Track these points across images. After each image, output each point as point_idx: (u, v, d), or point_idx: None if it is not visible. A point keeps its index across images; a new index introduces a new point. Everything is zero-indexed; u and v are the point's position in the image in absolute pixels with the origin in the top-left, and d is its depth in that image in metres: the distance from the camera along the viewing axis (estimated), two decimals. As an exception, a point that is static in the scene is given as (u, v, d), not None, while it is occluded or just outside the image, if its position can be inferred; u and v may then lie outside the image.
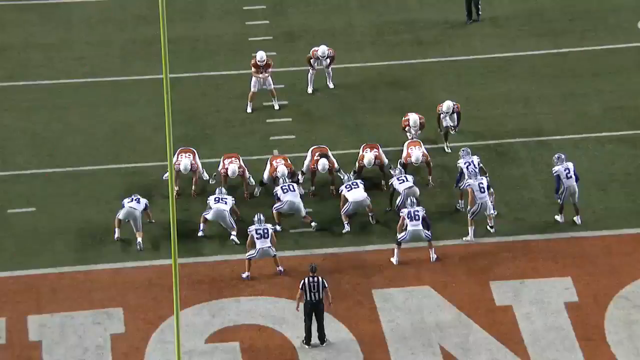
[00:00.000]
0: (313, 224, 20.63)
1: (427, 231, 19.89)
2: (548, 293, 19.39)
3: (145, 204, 20.62)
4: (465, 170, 20.68)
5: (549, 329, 18.78)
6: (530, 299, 19.29)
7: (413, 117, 22.02)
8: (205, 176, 21.37)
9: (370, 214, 20.60)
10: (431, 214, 20.76)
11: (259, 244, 19.65)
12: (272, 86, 23.42)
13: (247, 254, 19.69)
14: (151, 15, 26.26)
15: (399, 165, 21.29)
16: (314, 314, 18.42)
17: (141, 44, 25.71)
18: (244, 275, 19.74)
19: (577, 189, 20.46)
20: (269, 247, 19.65)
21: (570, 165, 20.47)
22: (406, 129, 22.18)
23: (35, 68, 25.04)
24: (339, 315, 18.96)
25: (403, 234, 19.91)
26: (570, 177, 20.40)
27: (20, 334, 18.78)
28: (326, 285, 18.43)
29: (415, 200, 20.13)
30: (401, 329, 18.80)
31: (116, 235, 20.45)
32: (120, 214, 20.41)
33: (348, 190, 20.40)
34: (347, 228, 20.54)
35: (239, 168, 21.11)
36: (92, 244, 20.52)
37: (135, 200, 20.52)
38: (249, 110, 23.31)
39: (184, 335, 18.31)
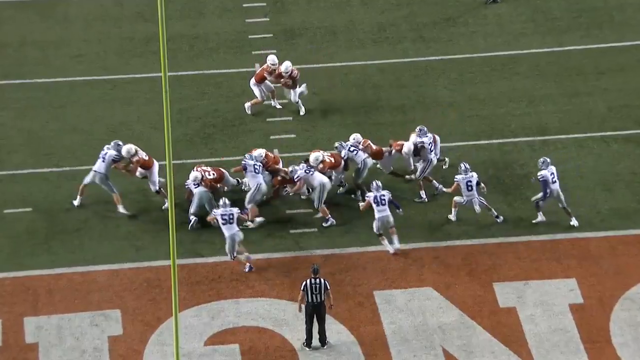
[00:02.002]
0: (248, 223, 20.48)
1: (398, 209, 20.01)
2: (552, 294, 19.42)
3: (113, 158, 20.53)
4: (431, 157, 20.85)
5: (553, 331, 18.81)
6: (534, 300, 19.33)
7: (407, 145, 21.45)
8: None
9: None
10: (432, 214, 20.81)
11: (226, 231, 19.61)
12: (272, 86, 23.40)
13: (226, 247, 19.61)
14: (149, 12, 26.26)
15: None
16: (315, 316, 18.47)
17: (139, 42, 25.71)
18: (247, 267, 19.76)
19: (560, 192, 20.50)
20: (237, 231, 19.62)
21: (554, 168, 20.53)
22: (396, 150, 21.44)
23: (32, 66, 25.05)
24: (340, 316, 19.01)
25: (375, 223, 20.01)
26: (555, 181, 20.48)
27: (16, 336, 18.82)
28: (328, 287, 18.48)
29: (379, 184, 20.12)
30: (403, 331, 18.83)
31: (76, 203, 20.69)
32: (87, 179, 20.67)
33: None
34: (331, 221, 20.54)
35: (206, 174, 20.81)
36: (90, 244, 20.58)
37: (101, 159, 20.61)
38: (249, 112, 23.17)
39: (182, 337, 18.42)
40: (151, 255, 20.31)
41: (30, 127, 23.45)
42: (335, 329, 18.83)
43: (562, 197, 20.48)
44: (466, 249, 20.32)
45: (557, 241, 20.35)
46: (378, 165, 21.52)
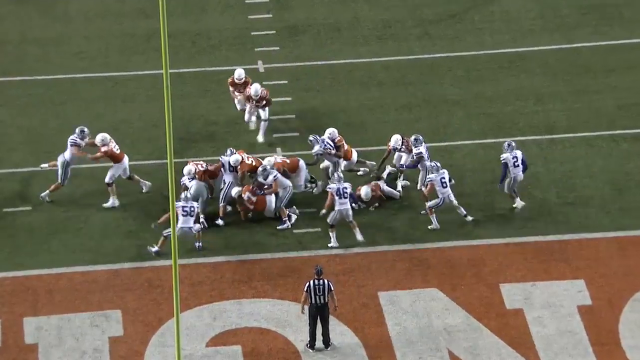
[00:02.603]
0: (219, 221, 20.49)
1: (354, 204, 20.19)
2: (560, 296, 19.35)
3: (71, 142, 20.63)
4: (428, 165, 20.80)
5: (561, 333, 18.74)
6: (541, 302, 19.27)
7: (394, 137, 21.30)
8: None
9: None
10: (437, 214, 20.77)
11: (181, 222, 19.67)
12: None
13: (165, 230, 19.61)
14: (151, 8, 26.23)
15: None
16: (318, 317, 18.43)
17: (140, 38, 25.68)
18: (153, 250, 19.81)
19: (520, 179, 20.59)
20: (190, 227, 19.73)
21: (519, 153, 20.55)
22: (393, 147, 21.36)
23: (32, 63, 25.03)
24: (344, 318, 18.96)
25: (333, 214, 20.05)
26: (518, 165, 20.53)
27: (16, 337, 18.77)
28: (332, 289, 18.43)
29: (342, 176, 20.17)
30: (408, 333, 18.79)
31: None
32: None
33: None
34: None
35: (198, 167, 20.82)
36: (90, 244, 20.55)
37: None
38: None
39: (184, 338, 18.41)
40: (152, 255, 20.25)
41: (30, 125, 23.46)
42: (339, 331, 18.79)
43: (517, 182, 20.55)
44: (472, 250, 20.29)
45: (566, 242, 20.31)
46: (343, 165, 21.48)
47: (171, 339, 18.45)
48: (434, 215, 20.46)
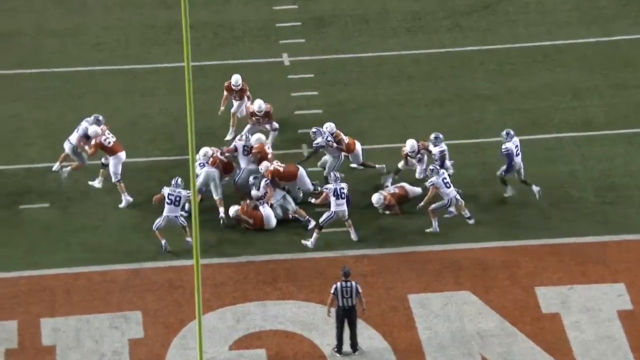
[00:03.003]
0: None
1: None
2: (599, 300, 19.28)
3: (84, 133, 20.84)
4: (432, 166, 20.63)
5: (600, 339, 18.65)
6: (579, 306, 19.19)
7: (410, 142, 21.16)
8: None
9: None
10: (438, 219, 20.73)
11: (167, 211, 19.74)
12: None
13: (156, 222, 19.85)
14: (172, -2, 26.29)
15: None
16: (346, 321, 18.40)
17: (161, 30, 25.68)
18: (163, 243, 19.98)
19: (522, 165, 20.72)
20: (177, 216, 19.81)
21: (518, 140, 20.59)
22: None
23: (49, 55, 25.07)
24: (372, 321, 18.93)
25: (327, 215, 20.00)
26: (519, 154, 20.65)
27: (32, 338, 18.79)
28: (360, 291, 18.41)
29: (339, 175, 20.14)
30: (439, 337, 18.73)
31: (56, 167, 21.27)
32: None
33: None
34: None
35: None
36: (109, 242, 20.57)
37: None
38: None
39: (206, 341, 18.32)
40: (173, 254, 20.29)
41: (47, 119, 23.46)
42: (367, 335, 18.75)
43: (522, 170, 20.63)
44: (506, 251, 20.23)
45: (605, 243, 20.21)
46: (350, 158, 21.44)
47: (193, 341, 18.45)
48: (437, 218, 20.32)
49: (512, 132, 20.68)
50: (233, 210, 20.59)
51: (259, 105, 22.14)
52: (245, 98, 22.50)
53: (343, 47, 25.07)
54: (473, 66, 24.48)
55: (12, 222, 20.91)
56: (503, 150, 20.65)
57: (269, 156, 21.06)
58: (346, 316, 18.33)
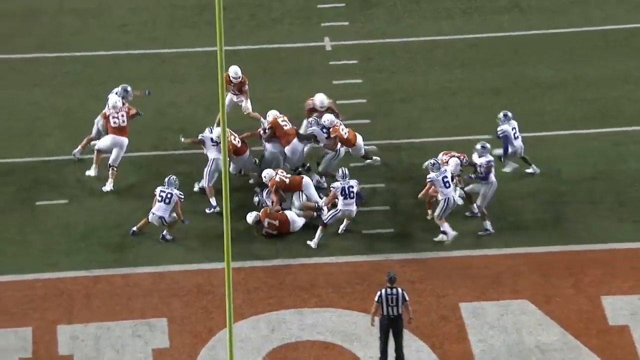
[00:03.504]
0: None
1: (361, 200, 20.43)
2: (675, 312, 19.33)
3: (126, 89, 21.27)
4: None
5: (673, 354, 18.71)
6: (651, 318, 19.28)
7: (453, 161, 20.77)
8: None
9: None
10: (529, 214, 20.55)
11: (155, 208, 20.19)
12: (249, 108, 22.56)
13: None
14: (204, -24, 26.40)
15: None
16: (391, 331, 18.37)
17: (192, 10, 25.79)
18: (131, 231, 20.46)
19: (522, 147, 21.15)
20: (161, 216, 20.22)
21: (515, 123, 20.91)
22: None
23: (69, 37, 25.22)
24: (420, 332, 18.93)
25: (333, 212, 20.24)
26: (518, 137, 21.02)
27: (48, 347, 18.84)
28: (407, 299, 18.38)
29: (347, 172, 20.28)
30: (494, 351, 18.69)
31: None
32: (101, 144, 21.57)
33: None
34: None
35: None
36: (132, 243, 20.60)
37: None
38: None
39: (237, 352, 18.39)
40: (202, 257, 20.33)
41: (67, 107, 23.55)
42: (414, 347, 18.74)
43: (522, 150, 21.12)
44: (570, 256, 20.16)
45: (682, 248, 19.93)
46: (350, 151, 21.59)
47: (223, 352, 18.47)
48: (446, 223, 20.24)
49: (509, 114, 20.95)
50: (252, 217, 20.69)
51: (320, 100, 22.01)
52: (245, 93, 22.47)
53: (391, 30, 25.07)
54: (535, 51, 24.35)
55: (28, 220, 21.01)
56: (499, 133, 20.95)
57: (286, 128, 21.17)
58: (391, 326, 18.32)
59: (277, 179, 20.83)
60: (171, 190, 20.30)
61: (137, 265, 20.16)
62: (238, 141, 21.28)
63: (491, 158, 20.75)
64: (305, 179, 21.08)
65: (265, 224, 20.60)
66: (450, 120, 22.83)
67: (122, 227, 20.85)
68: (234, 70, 22.45)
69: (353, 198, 20.17)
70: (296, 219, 20.76)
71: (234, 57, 23.99)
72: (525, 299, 19.39)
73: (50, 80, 24.29)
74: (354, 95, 23.63)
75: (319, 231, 20.29)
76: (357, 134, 21.65)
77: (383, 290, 18.33)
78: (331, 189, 20.45)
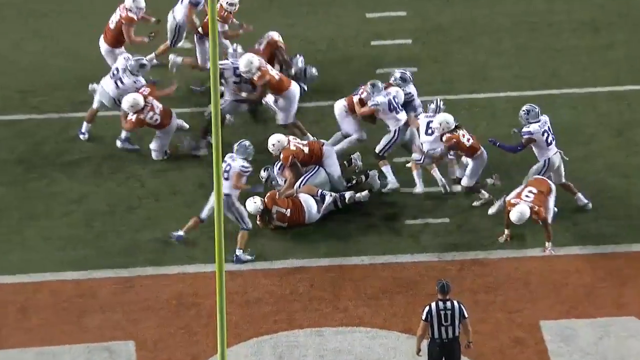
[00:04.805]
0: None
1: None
2: None
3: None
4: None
5: None
6: None
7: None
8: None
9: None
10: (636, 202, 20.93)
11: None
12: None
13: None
14: None
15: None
16: (444, 359, 18.20)
17: None
18: (176, 235, 20.64)
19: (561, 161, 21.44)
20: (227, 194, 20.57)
21: (547, 120, 21.06)
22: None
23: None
24: (486, 359, 19.24)
25: (390, 138, 21.53)
26: (552, 141, 21.06)
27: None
28: (466, 315, 18.16)
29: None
30: (591, 388, 19.11)
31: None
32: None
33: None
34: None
35: None
36: (86, 236, 20.70)
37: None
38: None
39: (232, 388, 18.33)
40: (184, 256, 20.41)
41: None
42: (477, 380, 19.00)
43: (562, 164, 21.21)
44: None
45: None
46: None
47: (212, 389, 18.58)
48: (418, 171, 21.32)
49: (537, 109, 20.81)
50: (255, 204, 20.67)
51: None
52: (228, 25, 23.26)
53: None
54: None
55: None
56: (522, 134, 20.79)
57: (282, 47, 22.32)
58: (445, 353, 18.18)
59: (293, 147, 20.78)
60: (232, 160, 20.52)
61: (94, 267, 20.15)
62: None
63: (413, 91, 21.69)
64: (327, 147, 21.22)
65: (274, 211, 20.44)
66: (527, 67, 23.15)
67: (72, 215, 20.95)
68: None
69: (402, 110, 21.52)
70: (312, 206, 20.77)
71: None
72: (632, 315, 19.48)
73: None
74: (395, 34, 23.66)
75: (384, 168, 21.22)
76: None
77: (433, 304, 18.11)
78: (372, 106, 21.40)
